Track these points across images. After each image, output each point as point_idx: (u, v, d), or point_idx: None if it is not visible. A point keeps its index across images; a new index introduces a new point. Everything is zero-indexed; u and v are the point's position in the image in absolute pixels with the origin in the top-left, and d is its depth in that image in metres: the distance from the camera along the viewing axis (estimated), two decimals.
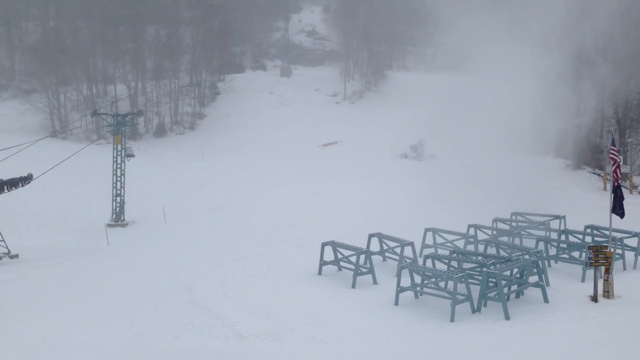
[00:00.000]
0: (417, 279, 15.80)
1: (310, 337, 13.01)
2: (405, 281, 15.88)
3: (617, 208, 15.65)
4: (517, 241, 21.06)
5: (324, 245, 19.25)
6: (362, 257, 18.32)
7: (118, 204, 32.10)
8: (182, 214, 31.52)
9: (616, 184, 15.74)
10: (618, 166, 15.85)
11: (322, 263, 19.14)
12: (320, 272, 19.05)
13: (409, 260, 18.57)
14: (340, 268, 19.25)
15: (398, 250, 19.32)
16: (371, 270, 17.93)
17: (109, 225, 30.53)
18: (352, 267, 18.00)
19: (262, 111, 68.44)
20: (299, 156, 49.60)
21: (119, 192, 32.31)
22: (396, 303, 15.38)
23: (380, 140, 53.18)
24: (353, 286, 17.34)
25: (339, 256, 19.05)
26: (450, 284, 14.86)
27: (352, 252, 18.46)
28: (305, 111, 68.60)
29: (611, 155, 16.15)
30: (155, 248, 25.45)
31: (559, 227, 22.76)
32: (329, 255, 19.25)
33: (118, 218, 31.84)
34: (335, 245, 19.22)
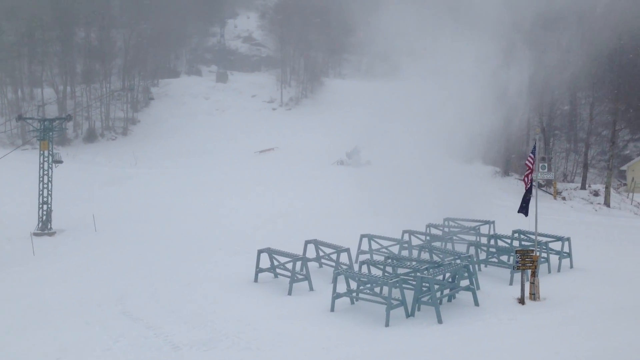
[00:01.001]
0: (353, 285, 15.94)
1: (246, 346, 12.89)
2: (341, 287, 15.98)
3: (521, 207, 16.52)
4: (449, 246, 21.59)
5: (260, 252, 19.15)
6: (299, 263, 18.32)
7: (45, 212, 30.83)
8: (114, 222, 30.62)
9: (526, 188, 16.53)
10: (530, 172, 16.65)
11: (258, 270, 19.02)
12: (256, 280, 18.92)
13: (344, 267, 18.71)
14: (276, 275, 19.19)
15: (334, 256, 19.42)
16: (307, 277, 17.95)
17: (35, 234, 29.29)
18: (289, 274, 17.97)
19: (198, 117, 67.52)
20: (235, 163, 49.21)
21: (45, 199, 31.04)
22: (332, 309, 15.45)
23: (317, 146, 53.48)
24: (289, 293, 17.30)
25: (275, 263, 18.99)
26: (385, 289, 15.07)
27: (289, 259, 18.43)
28: (241, 117, 68.18)
29: (527, 162, 16.95)
30: (84, 257, 24.57)
31: (489, 232, 23.51)
32: (265, 262, 19.16)
33: (45, 227, 30.57)
34: (271, 252, 19.15)
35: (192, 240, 26.12)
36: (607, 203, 38.31)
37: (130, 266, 21.87)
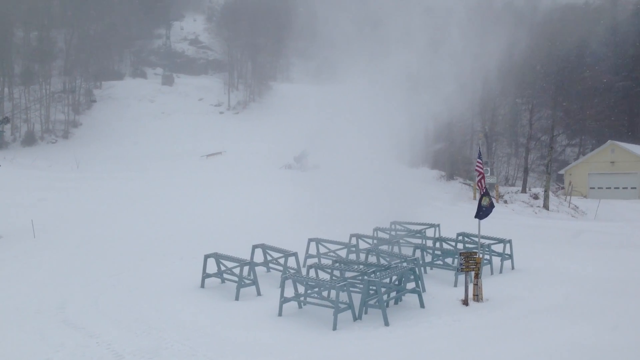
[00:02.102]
0: (301, 289, 15.92)
1: (192, 353, 12.66)
2: (289, 291, 15.93)
3: (479, 213, 16.83)
4: (396, 249, 21.83)
5: (206, 257, 18.88)
6: (246, 268, 18.17)
7: None
8: (54, 228, 29.62)
9: (482, 192, 16.85)
10: (483, 177, 16.98)
11: (205, 276, 18.75)
12: (202, 285, 18.64)
13: (292, 271, 18.66)
14: (223, 280, 18.97)
15: (282, 260, 19.37)
16: (255, 282, 17.81)
17: None
18: (236, 278, 17.78)
19: (143, 120, 66.24)
20: (181, 167, 48.49)
21: None
22: (280, 314, 15.38)
23: (265, 150, 53.35)
24: (236, 298, 17.12)
25: (222, 268, 18.77)
26: (333, 293, 15.10)
27: (236, 264, 18.23)
28: (188, 121, 67.32)
29: (477, 168, 17.27)
30: (22, 264, 23.62)
31: (434, 235, 23.94)
32: (212, 267, 18.92)
33: None
34: (218, 256, 18.91)
35: (136, 246, 25.54)
36: (546, 206, 39.72)
37: (71, 273, 21.17)
